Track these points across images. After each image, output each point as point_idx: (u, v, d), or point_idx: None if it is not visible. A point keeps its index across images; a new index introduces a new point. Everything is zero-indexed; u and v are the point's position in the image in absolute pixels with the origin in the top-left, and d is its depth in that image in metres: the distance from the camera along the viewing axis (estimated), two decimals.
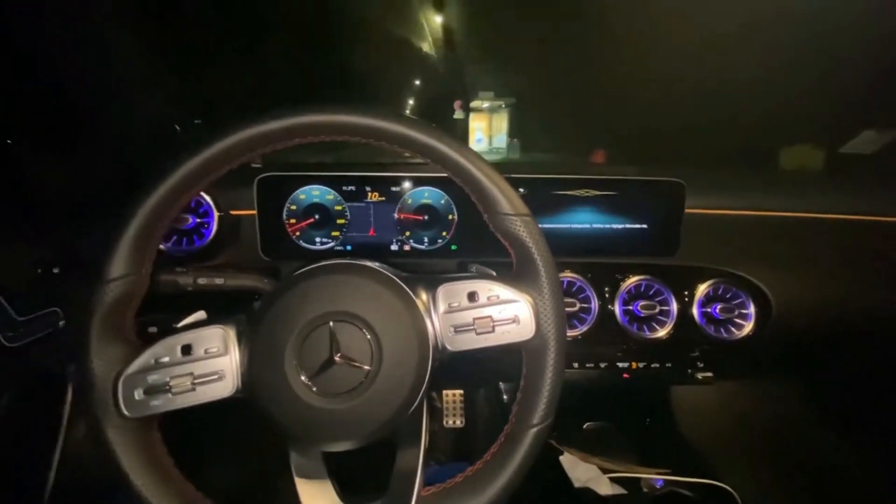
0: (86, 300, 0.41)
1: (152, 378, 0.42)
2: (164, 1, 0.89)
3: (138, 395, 0.41)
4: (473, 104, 1.30)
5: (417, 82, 1.52)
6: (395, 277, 0.47)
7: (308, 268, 0.47)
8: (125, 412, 0.41)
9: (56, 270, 0.65)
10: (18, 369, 0.64)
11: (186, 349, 0.43)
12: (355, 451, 0.46)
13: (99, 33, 0.71)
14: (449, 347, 0.46)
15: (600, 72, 1.28)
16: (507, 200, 0.46)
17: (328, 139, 0.44)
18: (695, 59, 1.00)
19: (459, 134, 1.30)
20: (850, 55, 0.85)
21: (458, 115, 1.32)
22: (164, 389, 0.41)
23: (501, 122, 1.29)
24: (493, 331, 0.45)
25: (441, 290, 0.47)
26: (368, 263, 0.48)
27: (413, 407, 0.45)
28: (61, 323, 0.67)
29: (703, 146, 1.03)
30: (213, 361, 0.43)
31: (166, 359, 0.42)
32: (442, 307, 0.46)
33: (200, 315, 0.48)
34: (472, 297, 0.46)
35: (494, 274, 0.49)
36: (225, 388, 0.43)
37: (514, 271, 0.48)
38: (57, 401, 0.68)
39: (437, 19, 1.35)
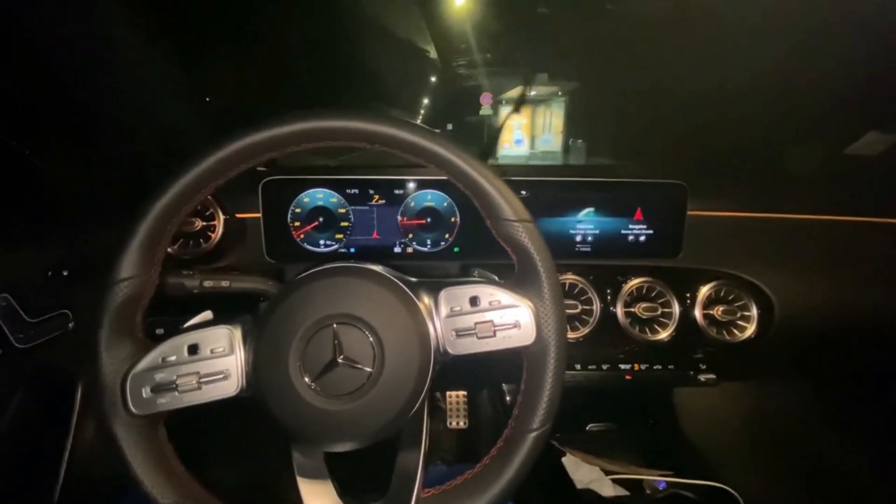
0: (95, 301, 0.42)
1: (159, 376, 0.42)
2: (174, 5, 0.90)
3: (146, 392, 0.42)
4: (510, 94, 1.06)
5: (433, 77, 1.27)
6: (398, 281, 0.48)
7: (312, 270, 0.48)
8: (133, 409, 0.42)
9: (66, 273, 0.67)
10: (29, 370, 0.65)
11: (193, 349, 0.44)
12: (357, 451, 0.47)
13: (106, 36, 0.72)
14: (450, 351, 0.47)
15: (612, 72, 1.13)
16: (509, 206, 0.46)
17: (328, 145, 0.45)
18: (697, 61, 0.99)
19: (487, 134, 1.11)
20: (855, 56, 0.85)
21: (486, 110, 1.10)
22: (170, 388, 0.42)
23: (553, 117, 1.04)
24: (494, 335, 0.46)
25: (443, 294, 0.47)
26: (372, 266, 0.49)
27: (414, 409, 0.46)
28: (71, 325, 0.68)
29: (704, 148, 1.03)
30: (218, 361, 0.44)
31: (173, 358, 0.43)
32: (444, 311, 0.47)
33: (207, 315, 0.49)
34: (473, 301, 0.47)
35: (496, 279, 0.50)
36: (230, 387, 0.44)
37: (515, 277, 0.48)
38: (66, 401, 0.69)
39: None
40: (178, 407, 0.43)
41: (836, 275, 0.88)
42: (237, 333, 0.45)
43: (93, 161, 0.80)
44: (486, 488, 0.44)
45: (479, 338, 0.46)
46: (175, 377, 0.43)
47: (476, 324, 0.46)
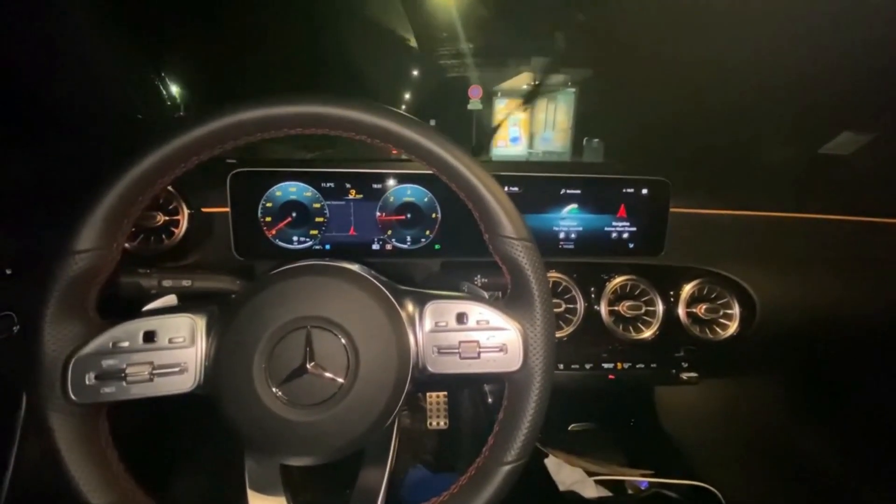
0: (45, 270, 0.38)
1: (107, 363, 0.39)
2: None
3: (89, 379, 0.38)
4: (506, 85, 0.94)
5: (414, 67, 1.15)
6: (383, 287, 0.45)
7: (290, 266, 0.44)
8: (72, 396, 0.38)
9: (9, 272, 0.61)
10: None
11: (149, 336, 0.40)
12: (314, 468, 0.43)
13: (65, 20, 0.66)
14: (430, 368, 0.44)
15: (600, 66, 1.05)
16: (510, 222, 0.43)
17: (319, 133, 0.42)
18: (681, 58, 0.99)
19: (477, 131, 1.00)
20: (834, 57, 0.85)
21: (475, 104, 0.98)
22: (118, 377, 0.39)
23: (558, 112, 0.91)
24: (478, 357, 0.43)
25: (429, 307, 0.45)
26: (354, 267, 0.46)
27: (384, 427, 0.43)
28: (16, 329, 0.62)
29: (688, 146, 1.02)
30: (176, 352, 0.40)
31: (126, 343, 0.39)
32: (428, 325, 0.44)
33: (171, 300, 0.45)
34: (460, 318, 0.44)
35: (486, 296, 0.47)
36: (185, 382, 0.40)
37: (507, 297, 0.46)
38: (11, 408, 0.63)
39: None
40: (124, 398, 0.39)
41: (818, 273, 0.89)
42: (200, 324, 0.41)
43: (41, 154, 0.74)
44: None
45: (462, 358, 0.44)
46: (125, 365, 0.39)
47: (461, 343, 0.44)
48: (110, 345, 0.39)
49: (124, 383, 0.39)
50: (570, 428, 1.17)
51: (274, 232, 0.79)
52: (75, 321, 0.39)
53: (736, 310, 0.87)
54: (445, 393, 1.35)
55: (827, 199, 0.90)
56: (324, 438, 0.41)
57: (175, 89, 0.99)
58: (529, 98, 0.94)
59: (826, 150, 1.02)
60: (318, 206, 0.80)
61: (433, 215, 0.82)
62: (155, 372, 0.39)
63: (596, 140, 0.97)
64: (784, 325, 0.89)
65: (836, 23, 0.78)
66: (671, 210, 0.86)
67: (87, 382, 0.38)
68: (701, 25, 0.88)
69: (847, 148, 1.01)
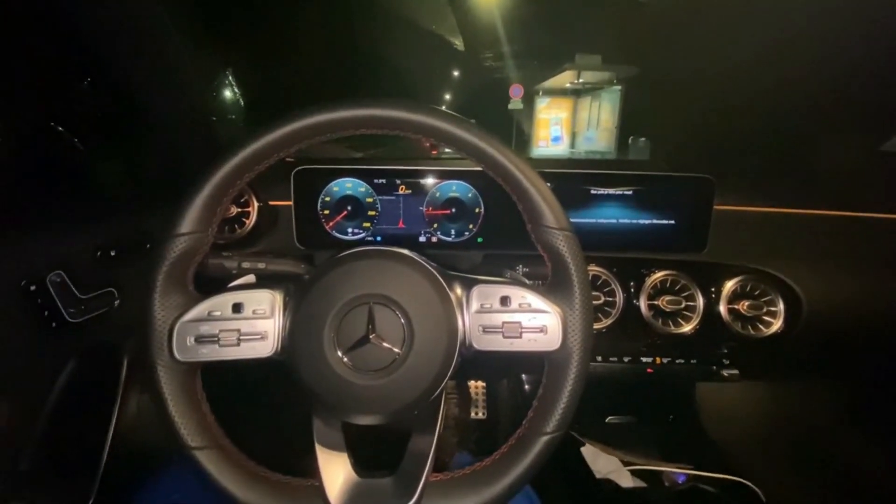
0: (155, 251, 0.46)
1: (204, 328, 0.45)
2: (211, 7, 0.93)
3: (189, 341, 0.45)
4: (549, 84, 0.95)
5: (456, 68, 1.20)
6: (434, 271, 0.49)
7: (355, 250, 0.50)
8: (176, 355, 0.45)
9: (113, 254, 0.71)
10: (78, 343, 0.70)
11: (237, 307, 0.47)
12: (372, 430, 0.49)
13: (151, 31, 0.75)
14: (475, 345, 0.48)
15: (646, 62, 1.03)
16: (551, 213, 0.47)
17: (380, 132, 0.47)
18: (729, 53, 0.97)
19: (517, 130, 1.02)
20: (891, 52, 0.82)
21: (515, 104, 0.99)
22: (212, 340, 0.45)
23: (602, 111, 0.91)
24: (520, 336, 0.47)
25: (476, 290, 0.49)
26: (411, 254, 0.51)
27: (434, 395, 0.48)
28: (116, 302, 0.72)
29: (733, 142, 1.01)
30: (258, 322, 0.47)
31: (218, 313, 0.46)
32: (474, 306, 0.48)
33: (250, 278, 0.52)
34: (504, 301, 0.48)
35: (528, 282, 0.51)
36: (265, 348, 0.46)
37: (548, 283, 0.50)
38: (113, 373, 0.73)
39: None
40: (216, 359, 0.46)
41: (866, 272, 0.86)
42: (279, 298, 0.47)
43: (137, 151, 0.85)
44: (492, 483, 0.45)
45: (504, 337, 0.47)
46: (218, 331, 0.45)
47: (504, 323, 0.47)
48: (206, 313, 0.46)
49: (217, 346, 0.45)
50: (607, 420, 1.18)
51: (332, 224, 0.86)
52: (178, 293, 0.46)
53: (780, 307, 0.86)
54: (484, 384, 1.39)
55: (885, 198, 0.87)
56: (381, 401, 0.46)
57: (240, 96, 1.09)
58: (572, 96, 0.95)
59: (888, 147, 0.98)
60: (370, 200, 0.86)
61: (476, 210, 0.86)
62: (241, 338, 0.46)
63: (642, 139, 0.97)
64: (832, 325, 0.86)
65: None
66: (715, 207, 0.86)
67: (187, 344, 0.45)
68: (751, 20, 0.87)
69: None
